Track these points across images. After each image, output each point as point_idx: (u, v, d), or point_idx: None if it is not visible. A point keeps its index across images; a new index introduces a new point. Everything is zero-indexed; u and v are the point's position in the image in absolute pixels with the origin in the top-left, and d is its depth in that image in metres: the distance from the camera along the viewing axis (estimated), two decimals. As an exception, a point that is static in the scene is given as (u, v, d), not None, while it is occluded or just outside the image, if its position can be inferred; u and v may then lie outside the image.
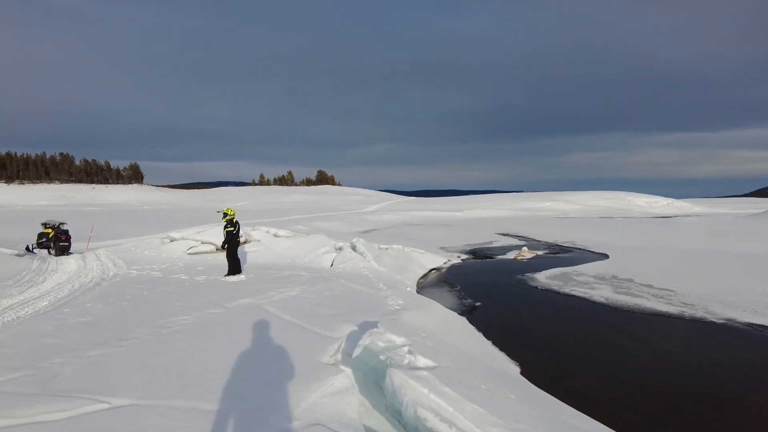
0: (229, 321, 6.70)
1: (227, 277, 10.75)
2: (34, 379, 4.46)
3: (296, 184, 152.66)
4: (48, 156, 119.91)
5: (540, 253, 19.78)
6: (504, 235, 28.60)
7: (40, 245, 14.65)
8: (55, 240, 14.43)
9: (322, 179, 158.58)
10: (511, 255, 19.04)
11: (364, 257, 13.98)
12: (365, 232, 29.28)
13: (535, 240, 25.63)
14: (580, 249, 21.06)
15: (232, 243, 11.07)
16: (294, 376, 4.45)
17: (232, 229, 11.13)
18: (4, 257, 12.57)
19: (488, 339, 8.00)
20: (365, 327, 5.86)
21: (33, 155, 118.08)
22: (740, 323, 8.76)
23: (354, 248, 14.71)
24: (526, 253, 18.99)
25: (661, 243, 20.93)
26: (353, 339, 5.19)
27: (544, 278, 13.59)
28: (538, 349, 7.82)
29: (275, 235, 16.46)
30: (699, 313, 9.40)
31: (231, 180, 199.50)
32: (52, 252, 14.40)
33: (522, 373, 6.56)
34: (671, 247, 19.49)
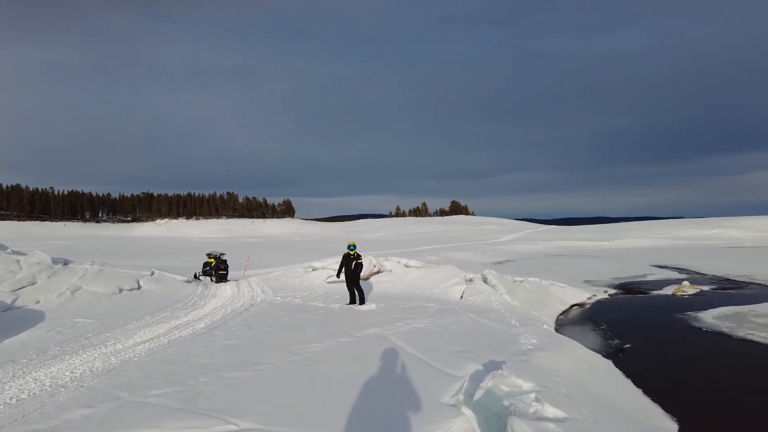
0: (356, 351, 6.82)
1: (360, 306, 11.13)
2: (181, 395, 4.97)
3: (430, 215, 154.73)
4: (218, 195, 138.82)
5: (705, 288, 17.07)
6: (661, 267, 25.35)
7: (204, 273, 16.73)
8: (216, 269, 16.35)
9: (456, 209, 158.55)
10: (668, 290, 16.73)
11: (496, 290, 13.37)
12: (499, 263, 28.25)
13: (698, 273, 22.26)
14: (758, 284, 17.72)
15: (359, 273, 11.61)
16: (412, 415, 4.30)
17: (362, 260, 11.70)
18: (178, 283, 14.52)
19: (638, 387, 6.97)
20: (491, 367, 5.49)
21: (206, 195, 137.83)
22: None
23: (485, 280, 14.17)
24: (688, 288, 16.51)
25: None
26: (477, 380, 4.88)
27: (710, 318, 11.62)
28: (702, 403, 6.61)
29: (406, 266, 16.64)
30: None
31: (370, 212, 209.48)
32: (213, 279, 16.30)
33: (681, 432, 5.57)
34: None
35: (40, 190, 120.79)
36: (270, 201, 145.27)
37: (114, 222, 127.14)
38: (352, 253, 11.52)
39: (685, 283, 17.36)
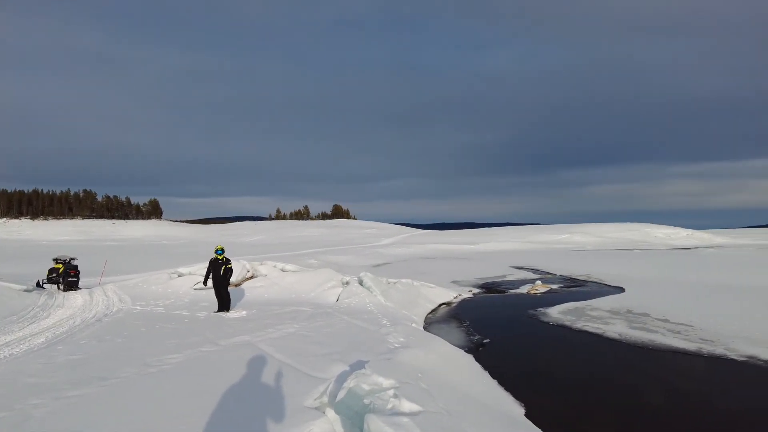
0: (219, 360, 6.48)
1: (229, 313, 10.62)
2: (4, 423, 4.29)
3: (312, 218, 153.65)
4: (72, 192, 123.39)
5: (554, 287, 19.25)
6: (518, 268, 28.04)
7: (50, 280, 14.73)
8: (65, 275, 14.51)
9: (338, 213, 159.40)
10: (524, 289, 18.56)
11: (371, 292, 13.69)
12: (378, 265, 29.00)
13: (549, 273, 25.04)
14: (595, 282, 20.46)
15: (229, 279, 11.10)
16: (273, 421, 4.19)
17: (231, 265, 11.21)
18: (13, 293, 12.59)
19: (494, 378, 7.62)
20: (357, 367, 5.59)
21: (57, 192, 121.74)
22: (763, 360, 8.24)
23: (361, 283, 14.45)
24: (540, 287, 18.49)
25: (680, 276, 20.23)
26: (342, 380, 4.93)
27: (556, 313, 13.12)
28: (546, 388, 7.41)
29: (282, 270, 16.32)
30: (719, 350, 8.88)
31: (248, 215, 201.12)
32: (61, 287, 14.45)
33: (527, 415, 6.17)
34: (690, 280, 18.80)
35: None
36: (134, 200, 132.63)
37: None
38: (220, 257, 10.96)
39: (538, 282, 19.41)
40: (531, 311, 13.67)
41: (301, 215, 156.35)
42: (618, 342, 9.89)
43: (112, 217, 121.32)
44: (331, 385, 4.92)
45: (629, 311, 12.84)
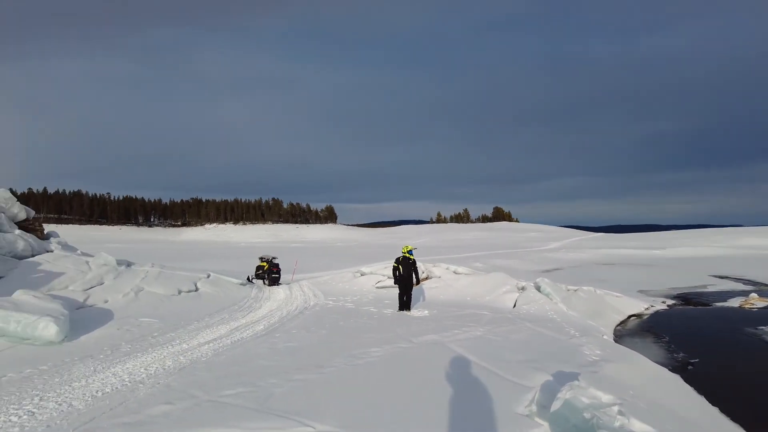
0: (417, 357, 6.80)
1: (411, 312, 11.08)
2: (254, 396, 5.09)
3: (472, 221, 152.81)
4: (263, 201, 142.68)
5: (776, 301, 16.05)
6: (721, 277, 24.02)
7: (257, 276, 17.14)
8: (269, 272, 16.73)
9: (498, 215, 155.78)
10: (734, 302, 15.83)
11: (551, 299, 13.03)
12: (547, 271, 27.52)
13: (765, 285, 20.97)
14: (837, 299, 16.52)
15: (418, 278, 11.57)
16: (487, 426, 4.23)
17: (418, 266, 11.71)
18: (232, 286, 14.94)
19: (714, 405, 6.62)
20: (561, 377, 5.34)
21: (252, 201, 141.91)
22: None
23: (538, 288, 13.85)
24: (756, 300, 15.57)
25: None
26: (549, 390, 4.76)
27: (786, 334, 10.91)
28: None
29: (455, 272, 16.49)
30: None
31: (411, 218, 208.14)
32: (266, 282, 16.68)
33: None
34: None
35: (98, 195, 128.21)
36: (313, 207, 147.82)
37: (165, 226, 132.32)
38: (411, 257, 11.50)
39: (753, 295, 16.39)
40: (749, 329, 11.59)
41: (462, 218, 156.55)
42: None
43: (296, 222, 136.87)
44: (538, 394, 4.78)
45: None
